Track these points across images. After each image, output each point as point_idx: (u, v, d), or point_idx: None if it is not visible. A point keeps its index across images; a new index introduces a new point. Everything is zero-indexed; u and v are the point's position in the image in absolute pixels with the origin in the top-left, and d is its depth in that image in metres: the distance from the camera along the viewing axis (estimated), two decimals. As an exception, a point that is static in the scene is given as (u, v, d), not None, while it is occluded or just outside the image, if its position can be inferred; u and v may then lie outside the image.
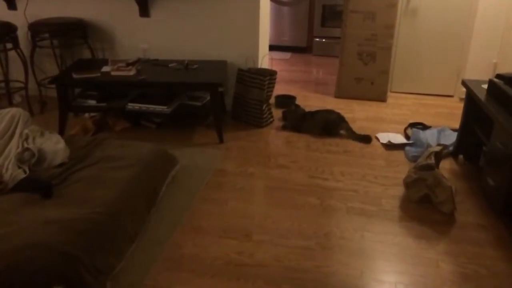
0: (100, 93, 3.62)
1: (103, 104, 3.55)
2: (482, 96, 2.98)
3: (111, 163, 2.58)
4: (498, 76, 3.01)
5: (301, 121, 3.79)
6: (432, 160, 2.77)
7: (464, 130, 3.32)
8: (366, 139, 3.62)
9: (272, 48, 6.36)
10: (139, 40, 4.10)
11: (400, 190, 2.95)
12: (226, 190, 2.93)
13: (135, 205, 2.39)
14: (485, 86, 3.10)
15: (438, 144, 3.07)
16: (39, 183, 2.31)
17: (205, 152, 3.42)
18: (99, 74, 3.48)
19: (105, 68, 3.57)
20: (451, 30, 4.56)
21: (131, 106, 3.50)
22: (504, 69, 4.34)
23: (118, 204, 2.25)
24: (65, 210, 2.11)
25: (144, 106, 3.49)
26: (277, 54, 6.36)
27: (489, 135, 2.94)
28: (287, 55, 6.42)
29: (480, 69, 4.62)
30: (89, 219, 2.06)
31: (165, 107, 3.47)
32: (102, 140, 2.90)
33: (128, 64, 3.61)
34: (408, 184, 2.81)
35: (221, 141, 3.56)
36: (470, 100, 3.22)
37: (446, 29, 4.57)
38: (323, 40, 6.42)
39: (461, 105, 4.56)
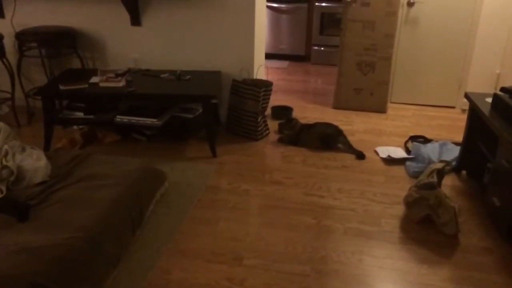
0: (88, 105, 3.48)
1: (91, 117, 3.41)
2: (486, 110, 2.84)
3: (94, 182, 2.44)
4: (503, 89, 2.87)
5: (297, 134, 3.65)
6: (434, 178, 2.62)
7: (467, 145, 3.17)
8: (359, 155, 3.47)
9: (269, 56, 6.25)
10: (130, 49, 3.97)
11: (400, 209, 2.80)
12: (218, 208, 2.78)
13: (119, 228, 2.24)
14: (489, 99, 2.96)
15: (441, 161, 2.92)
16: (15, 204, 2.16)
17: (197, 167, 3.28)
18: (86, 86, 3.35)
19: (94, 79, 3.44)
20: (452, 39, 4.43)
21: (119, 118, 3.36)
22: (508, 80, 4.21)
23: (99, 228, 2.10)
24: (41, 236, 1.96)
25: (133, 119, 3.34)
26: (275, 63, 6.24)
27: (493, 151, 2.80)
28: (284, 63, 6.29)
29: (482, 80, 4.49)
30: (66, 245, 1.92)
31: (155, 120, 3.33)
32: (87, 156, 2.76)
33: (117, 75, 3.47)
34: (409, 203, 2.67)
35: (214, 155, 3.42)
36: (474, 114, 3.08)
37: (447, 38, 4.44)
38: (322, 48, 6.29)
39: (463, 117, 4.44)
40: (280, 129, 3.82)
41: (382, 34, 4.26)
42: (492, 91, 4.47)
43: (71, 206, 2.19)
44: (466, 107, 4.56)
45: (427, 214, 2.60)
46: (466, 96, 3.12)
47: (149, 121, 3.34)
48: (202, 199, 2.86)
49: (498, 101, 2.79)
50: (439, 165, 2.76)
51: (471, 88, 4.52)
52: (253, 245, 2.44)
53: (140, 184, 2.56)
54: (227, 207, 2.80)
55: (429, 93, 4.67)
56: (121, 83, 3.38)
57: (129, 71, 3.66)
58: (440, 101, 4.68)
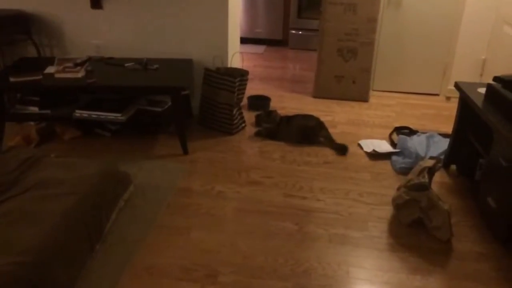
0: (44, 98, 3.13)
1: (47, 112, 3.06)
2: (479, 102, 2.63)
3: (45, 191, 2.12)
4: (496, 78, 2.66)
5: (276, 128, 3.39)
6: (425, 178, 2.41)
7: (457, 138, 2.97)
8: (342, 149, 3.24)
9: (244, 41, 5.93)
10: (91, 35, 3.61)
11: (388, 211, 2.58)
12: (190, 215, 2.51)
13: (73, 246, 1.95)
14: (482, 90, 2.75)
15: (431, 157, 2.71)
16: None
17: (166, 166, 2.98)
18: (40, 77, 2.99)
19: (49, 69, 3.08)
20: (437, 23, 4.21)
21: (79, 113, 3.02)
22: (493, 66, 4.02)
23: (48, 249, 1.81)
24: (-24, 262, 1.65)
25: (94, 114, 3.01)
26: (250, 48, 5.93)
27: (486, 146, 2.60)
28: (261, 48, 5.99)
29: (468, 66, 4.30)
30: (5, 274, 1.62)
31: (119, 114, 3.01)
32: (39, 159, 2.43)
33: (76, 64, 3.13)
34: (399, 205, 2.45)
35: (186, 152, 3.13)
36: (464, 105, 2.87)
37: (432, 22, 4.22)
38: (300, 32, 6.01)
39: (447, 105, 4.26)
40: (258, 122, 3.56)
41: (364, 18, 4.01)
42: (477, 78, 4.32)
43: (14, 223, 1.88)
44: (451, 94, 4.40)
45: (418, 217, 2.39)
46: (456, 86, 2.90)
47: (112, 116, 3.01)
48: (171, 204, 2.58)
49: (492, 93, 2.58)
50: (430, 163, 2.55)
51: (456, 74, 4.33)
52: (229, 257, 2.19)
53: (100, 191, 2.26)
54: (200, 213, 2.53)
55: (412, 80, 4.46)
56: (80, 74, 3.03)
57: (89, 59, 3.31)
58: (424, 88, 4.48)
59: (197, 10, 3.44)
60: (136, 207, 2.52)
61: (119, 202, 2.43)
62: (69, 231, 1.96)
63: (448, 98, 4.38)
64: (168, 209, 2.54)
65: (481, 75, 4.28)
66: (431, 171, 2.51)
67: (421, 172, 2.48)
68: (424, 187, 2.35)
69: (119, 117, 3.01)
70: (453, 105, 4.20)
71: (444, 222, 2.29)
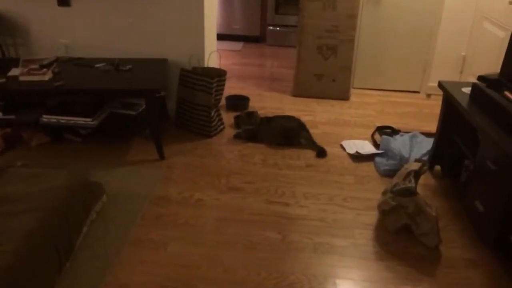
0: (8, 102, 2.93)
1: (12, 117, 2.87)
2: (464, 102, 2.56)
3: (7, 206, 1.95)
4: (480, 78, 2.60)
5: (256, 129, 3.27)
6: (412, 183, 2.32)
7: (441, 139, 2.91)
8: (320, 153, 3.14)
9: (222, 37, 5.78)
10: (59, 34, 3.41)
11: (373, 216, 2.50)
12: (166, 226, 2.37)
13: (40, 266, 1.79)
14: (466, 89, 2.69)
15: (416, 160, 2.64)
16: None
17: (141, 172, 2.83)
18: (4, 80, 2.79)
19: (13, 72, 2.88)
20: (417, 19, 4.15)
21: (46, 118, 2.85)
22: (473, 63, 3.99)
23: (13, 271, 1.65)
24: None
25: (63, 119, 2.84)
26: (228, 45, 5.78)
27: (472, 147, 2.54)
28: (238, 45, 5.85)
29: (448, 63, 4.26)
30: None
31: (89, 119, 2.84)
32: (3, 170, 2.25)
33: (42, 66, 2.93)
34: (385, 212, 2.36)
35: (162, 157, 2.98)
36: (448, 105, 2.80)
37: (412, 18, 4.15)
38: (278, 28, 5.89)
39: (428, 102, 4.21)
40: (238, 124, 3.43)
41: (344, 15, 3.91)
42: (457, 75, 4.28)
43: (-28, 246, 1.72)
44: (431, 92, 4.36)
45: (405, 223, 2.31)
46: (440, 85, 2.83)
47: (82, 120, 2.84)
48: (147, 215, 2.44)
49: (478, 93, 2.52)
50: (415, 166, 2.47)
51: (436, 71, 4.29)
52: (209, 272, 2.06)
53: (69, 204, 2.10)
54: (178, 223, 2.39)
55: (393, 77, 4.40)
56: (47, 76, 2.84)
57: (57, 60, 3.12)
58: (404, 85, 4.42)
59: (172, 7, 3.28)
60: (109, 219, 2.37)
61: (90, 214, 2.27)
62: (35, 251, 1.80)
63: (428, 96, 4.33)
64: (144, 221, 2.39)
65: (461, 72, 4.24)
66: (416, 174, 2.43)
67: (407, 176, 2.40)
68: (410, 192, 2.27)
69: (89, 122, 2.84)
70: (434, 103, 4.17)
71: (432, 228, 2.21)
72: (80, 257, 2.09)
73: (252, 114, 3.30)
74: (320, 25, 3.95)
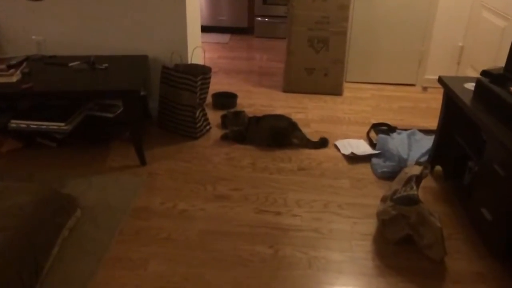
0: (-27, 106, 2.69)
1: (-23, 123, 2.64)
2: (467, 99, 2.38)
3: (-35, 230, 1.74)
4: (484, 73, 2.41)
5: (244, 130, 3.06)
6: (414, 190, 2.14)
7: (442, 138, 2.72)
8: (323, 143, 3.01)
9: (208, 29, 5.55)
10: (31, 30, 3.15)
11: (372, 224, 2.32)
12: (147, 241, 2.16)
13: (-1, 300, 1.59)
14: (469, 85, 2.50)
15: (417, 163, 2.45)
16: None
17: (120, 180, 2.62)
18: (-34, 83, 2.55)
19: (-23, 73, 2.64)
20: (412, 8, 3.95)
21: (15, 124, 2.62)
22: (472, 54, 3.81)
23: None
24: None
25: (33, 124, 2.61)
26: (214, 37, 5.54)
27: (476, 147, 2.37)
28: (225, 37, 5.60)
29: (444, 54, 4.08)
30: None
31: (62, 123, 2.61)
32: (-38, 186, 2.03)
33: (10, 66, 2.69)
34: (385, 221, 2.18)
35: (143, 163, 2.77)
36: (449, 102, 2.61)
37: (406, 8, 3.95)
38: (266, 19, 5.65)
39: (425, 96, 4.03)
40: (225, 124, 3.22)
41: (335, 5, 3.70)
42: (455, 66, 4.09)
43: None
44: (427, 84, 4.17)
45: (407, 234, 2.13)
46: (440, 81, 2.64)
47: (54, 125, 2.62)
48: (125, 230, 2.23)
49: (482, 89, 2.33)
50: (416, 170, 2.28)
51: (432, 63, 4.11)
52: (193, 296, 1.87)
53: (36, 223, 1.89)
54: (159, 238, 2.19)
55: (387, 70, 4.20)
56: (14, 77, 2.61)
57: (27, 59, 2.87)
58: (399, 78, 4.23)
59: (151, -1, 3.04)
60: (83, 235, 2.16)
61: (61, 232, 2.06)
62: (-6, 282, 1.59)
63: (424, 89, 4.15)
64: (122, 236, 2.19)
65: (458, 63, 4.06)
66: (418, 179, 2.25)
67: (407, 182, 2.21)
68: (413, 201, 2.09)
69: (62, 127, 2.62)
70: (431, 96, 3.99)
71: (436, 240, 2.04)
72: (50, 282, 1.88)
73: (240, 114, 3.09)
74: (310, 16, 3.73)
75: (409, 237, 2.13)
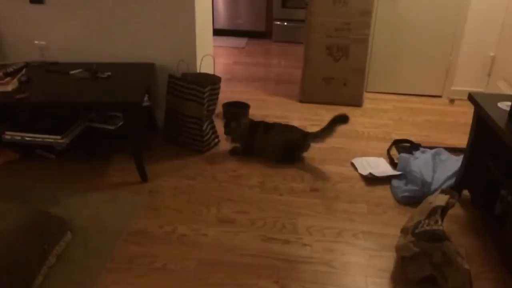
0: (-33, 116, 2.55)
1: (-30, 134, 2.50)
2: (500, 121, 2.11)
3: None
4: (521, 90, 2.14)
5: (252, 139, 2.84)
6: (439, 224, 1.90)
7: (471, 161, 2.46)
8: (343, 120, 2.76)
9: (224, 33, 5.38)
10: (33, 35, 3.02)
11: (390, 258, 2.08)
12: (140, 271, 1.97)
13: None
14: (503, 104, 2.24)
15: (443, 191, 2.19)
16: None
17: (118, 199, 2.44)
18: (-41, 92, 2.41)
19: (-27, 81, 2.50)
20: (440, 15, 3.68)
21: (9, 135, 2.47)
22: (504, 65, 3.52)
23: None
24: None
25: (28, 136, 2.46)
26: (231, 41, 5.35)
27: (510, 175, 2.10)
28: (242, 42, 5.41)
29: (474, 64, 3.79)
30: None
31: (59, 137, 2.45)
32: None
33: (7, 74, 2.54)
34: (405, 258, 1.94)
35: (144, 179, 2.59)
36: (481, 122, 2.35)
37: (434, 14, 3.68)
38: (285, 23, 5.45)
39: (452, 109, 3.75)
40: (227, 131, 2.96)
41: (356, 11, 3.46)
42: (485, 78, 3.80)
43: None
44: (455, 96, 3.89)
45: (430, 275, 1.89)
46: (471, 98, 2.38)
47: (50, 138, 2.46)
48: (118, 257, 2.04)
49: (520, 111, 2.06)
50: (441, 200, 2.03)
51: (461, 74, 3.83)
52: None
53: (17, 251, 1.72)
54: (154, 267, 1.99)
55: (411, 80, 3.94)
56: (10, 86, 2.46)
57: (26, 66, 2.73)
58: (424, 89, 3.96)
59: (159, 4, 2.86)
60: (72, 263, 1.98)
61: (47, 260, 1.89)
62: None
63: (451, 101, 3.87)
64: (114, 264, 2.00)
65: (488, 74, 3.77)
66: (444, 211, 2.00)
67: (432, 213, 1.97)
68: (438, 238, 1.84)
69: (59, 140, 2.45)
70: (458, 109, 3.72)
71: (463, 284, 1.79)
72: (30, 317, 1.71)
73: (238, 121, 2.86)
74: (330, 22, 3.50)
75: (432, 278, 1.89)
